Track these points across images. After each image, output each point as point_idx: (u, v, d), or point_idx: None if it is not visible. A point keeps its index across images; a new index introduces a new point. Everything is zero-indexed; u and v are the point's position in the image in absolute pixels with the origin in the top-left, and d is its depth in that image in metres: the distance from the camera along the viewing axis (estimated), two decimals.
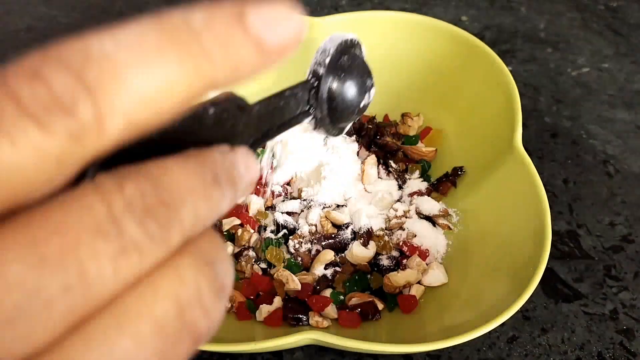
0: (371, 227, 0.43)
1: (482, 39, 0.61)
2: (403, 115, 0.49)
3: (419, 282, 0.41)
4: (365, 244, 0.42)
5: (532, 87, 0.57)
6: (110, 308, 0.12)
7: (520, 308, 0.42)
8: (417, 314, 0.39)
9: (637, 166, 0.51)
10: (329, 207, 0.44)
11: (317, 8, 0.64)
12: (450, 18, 0.63)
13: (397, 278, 0.40)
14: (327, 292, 0.41)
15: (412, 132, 0.48)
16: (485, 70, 0.43)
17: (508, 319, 0.41)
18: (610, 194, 0.49)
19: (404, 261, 0.42)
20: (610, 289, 0.43)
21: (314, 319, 0.39)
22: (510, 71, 0.58)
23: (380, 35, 0.45)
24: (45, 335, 0.11)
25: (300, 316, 0.39)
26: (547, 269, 0.44)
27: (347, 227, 0.43)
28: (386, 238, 0.42)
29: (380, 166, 0.46)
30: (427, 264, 0.42)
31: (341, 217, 0.43)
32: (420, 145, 0.48)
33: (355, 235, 0.43)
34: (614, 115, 0.55)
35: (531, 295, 0.43)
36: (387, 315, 0.40)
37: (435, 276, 0.41)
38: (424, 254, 0.42)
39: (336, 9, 0.65)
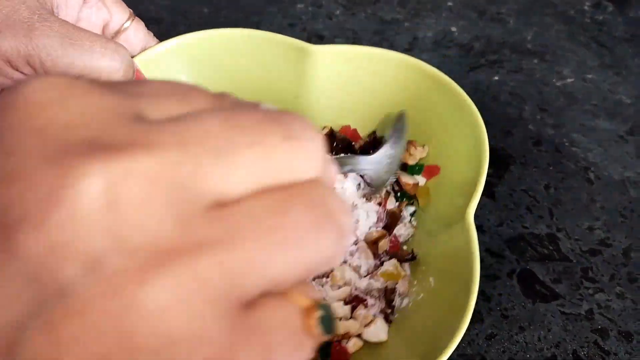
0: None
1: (471, 49, 0.63)
2: (408, 142, 0.47)
3: (359, 336, 0.40)
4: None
5: (518, 96, 0.59)
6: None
7: (499, 307, 0.44)
8: None
9: (617, 173, 0.52)
10: None
11: (311, 16, 0.66)
12: (440, 29, 0.65)
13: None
14: None
15: (412, 162, 0.47)
16: (458, 111, 0.44)
17: (488, 318, 0.43)
18: (590, 199, 0.51)
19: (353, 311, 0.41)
20: (587, 290, 0.45)
21: None
22: (498, 81, 0.60)
23: (365, 69, 0.46)
24: None
25: None
26: (526, 269, 0.46)
27: None
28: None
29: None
30: (372, 317, 0.40)
31: None
32: (419, 177, 0.46)
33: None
34: (596, 124, 0.56)
35: (510, 295, 0.44)
36: None
37: (375, 332, 0.39)
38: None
39: (330, 18, 0.67)
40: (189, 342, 0.14)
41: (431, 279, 0.40)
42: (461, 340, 0.42)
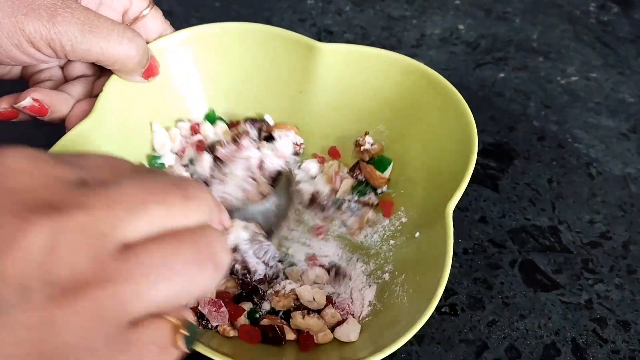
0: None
1: (477, 46, 0.64)
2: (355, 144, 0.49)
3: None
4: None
5: (523, 93, 0.60)
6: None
7: (501, 295, 0.45)
8: (315, 353, 0.40)
9: (618, 169, 0.54)
10: None
11: (321, 12, 0.68)
12: (447, 26, 0.67)
13: (298, 322, 0.40)
14: (247, 306, 0.41)
15: (366, 157, 0.48)
16: (447, 105, 0.45)
17: (489, 305, 0.44)
18: (591, 194, 0.52)
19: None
20: (587, 281, 0.46)
21: (223, 326, 0.39)
22: (503, 78, 0.61)
23: (370, 69, 0.48)
24: None
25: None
26: (527, 260, 0.47)
27: None
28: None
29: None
30: (343, 318, 0.41)
31: None
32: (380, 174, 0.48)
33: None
34: (598, 122, 0.58)
35: (512, 284, 0.46)
36: (293, 346, 0.40)
37: (346, 331, 0.40)
38: (342, 308, 0.41)
39: (339, 14, 0.68)
40: (80, 351, 0.19)
41: (403, 275, 0.41)
42: (463, 325, 0.43)
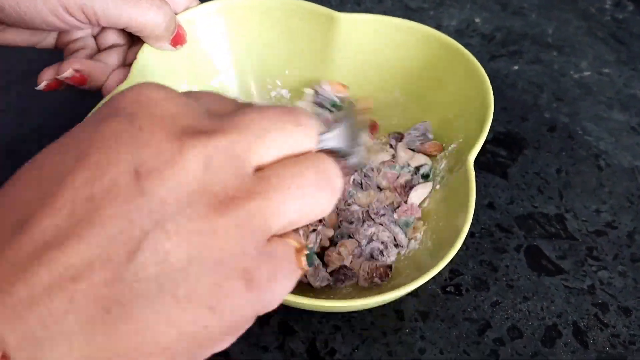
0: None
1: (492, 39, 0.66)
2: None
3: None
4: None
5: (536, 85, 0.61)
6: None
7: (505, 278, 0.46)
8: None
9: (626, 162, 0.54)
10: None
11: (339, 2, 0.69)
12: (464, 18, 0.68)
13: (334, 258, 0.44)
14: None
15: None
16: (466, 74, 0.48)
17: (493, 287, 0.45)
18: (599, 184, 0.53)
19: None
20: (591, 268, 0.47)
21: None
22: (517, 70, 0.62)
23: (388, 38, 0.50)
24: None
25: None
26: (533, 245, 0.48)
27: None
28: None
29: None
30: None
31: None
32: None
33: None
34: (609, 115, 0.58)
35: (516, 267, 0.47)
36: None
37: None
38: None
39: (359, 4, 0.69)
40: (237, 256, 0.22)
41: (426, 224, 0.46)
42: (467, 304, 0.44)
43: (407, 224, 0.46)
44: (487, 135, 0.54)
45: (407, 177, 0.48)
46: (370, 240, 0.45)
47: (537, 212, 0.50)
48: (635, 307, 0.45)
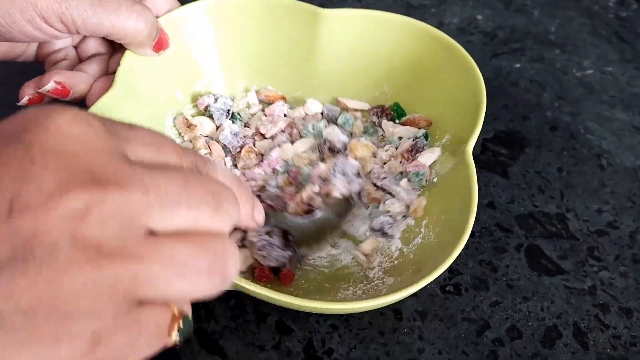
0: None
1: (494, 37, 0.65)
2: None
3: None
4: None
5: (538, 83, 0.60)
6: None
7: (505, 278, 0.46)
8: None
9: (629, 162, 0.54)
10: None
11: None
12: (466, 15, 0.67)
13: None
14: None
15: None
16: (455, 66, 0.47)
17: (493, 287, 0.45)
18: (600, 184, 0.52)
19: None
20: (592, 268, 0.47)
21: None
22: (519, 68, 0.62)
23: (374, 32, 0.50)
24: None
25: None
26: (533, 245, 0.48)
27: None
28: None
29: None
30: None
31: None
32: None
33: None
34: (612, 115, 0.58)
35: (516, 267, 0.46)
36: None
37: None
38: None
39: (359, 0, 0.69)
40: (89, 316, 0.21)
41: (427, 218, 0.45)
42: (466, 304, 0.44)
43: (417, 175, 0.46)
44: (488, 133, 0.54)
45: (410, 142, 0.48)
46: (379, 214, 0.46)
47: (537, 211, 0.50)
48: (637, 308, 0.44)
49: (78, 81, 0.43)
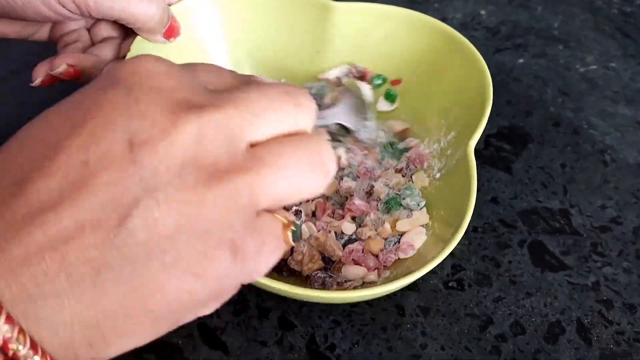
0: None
1: (497, 32, 0.65)
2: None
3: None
4: None
5: (541, 79, 0.60)
6: None
7: (508, 273, 0.46)
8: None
9: (632, 157, 0.54)
10: None
11: None
12: (469, 11, 0.67)
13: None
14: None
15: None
16: (464, 62, 0.47)
17: (496, 282, 0.45)
18: (604, 180, 0.52)
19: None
20: (595, 264, 0.46)
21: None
22: (522, 64, 0.62)
23: (384, 26, 0.50)
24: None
25: None
26: (537, 241, 0.48)
27: None
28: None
29: None
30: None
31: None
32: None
33: None
34: (615, 110, 0.58)
35: (520, 263, 0.46)
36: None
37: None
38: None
39: None
40: (223, 228, 0.23)
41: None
42: (469, 300, 0.44)
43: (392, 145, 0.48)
44: (491, 129, 0.54)
45: (400, 165, 0.48)
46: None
47: (541, 207, 0.50)
48: None
49: (89, 64, 0.43)
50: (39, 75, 0.43)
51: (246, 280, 0.24)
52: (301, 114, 0.26)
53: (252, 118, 0.24)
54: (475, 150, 0.42)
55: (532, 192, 0.51)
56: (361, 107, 0.45)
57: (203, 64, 0.27)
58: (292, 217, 0.26)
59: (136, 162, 0.21)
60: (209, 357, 0.40)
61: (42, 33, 0.47)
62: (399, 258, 0.43)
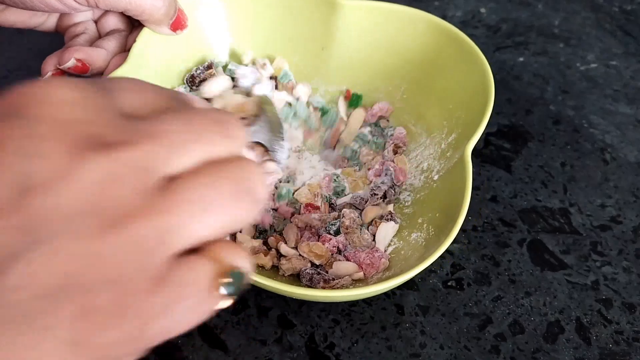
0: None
1: (498, 30, 0.65)
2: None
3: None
4: None
5: (541, 77, 0.60)
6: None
7: (507, 272, 0.46)
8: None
9: (632, 156, 0.54)
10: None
11: None
12: (469, 9, 0.67)
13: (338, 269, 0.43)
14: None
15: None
16: (468, 63, 0.47)
17: (495, 281, 0.45)
18: (604, 178, 0.52)
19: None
20: (594, 263, 0.46)
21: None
22: (522, 62, 0.62)
23: (391, 25, 0.50)
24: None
25: None
26: (536, 240, 0.48)
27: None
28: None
29: None
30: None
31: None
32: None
33: None
34: (616, 109, 0.57)
35: (519, 262, 0.46)
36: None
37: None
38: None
39: None
40: (119, 285, 0.19)
41: (422, 214, 0.45)
42: (468, 299, 0.44)
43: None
44: (491, 127, 0.54)
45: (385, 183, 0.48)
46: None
47: (540, 205, 0.50)
48: None
49: (97, 58, 0.44)
50: (49, 69, 0.43)
51: (153, 344, 0.21)
52: (230, 144, 0.23)
53: (169, 152, 0.21)
54: (475, 148, 0.42)
55: (532, 190, 0.51)
56: (278, 126, 0.45)
57: (123, 80, 0.24)
58: (239, 258, 0.22)
59: (21, 211, 0.19)
60: (209, 356, 0.40)
61: (50, 23, 0.47)
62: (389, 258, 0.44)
